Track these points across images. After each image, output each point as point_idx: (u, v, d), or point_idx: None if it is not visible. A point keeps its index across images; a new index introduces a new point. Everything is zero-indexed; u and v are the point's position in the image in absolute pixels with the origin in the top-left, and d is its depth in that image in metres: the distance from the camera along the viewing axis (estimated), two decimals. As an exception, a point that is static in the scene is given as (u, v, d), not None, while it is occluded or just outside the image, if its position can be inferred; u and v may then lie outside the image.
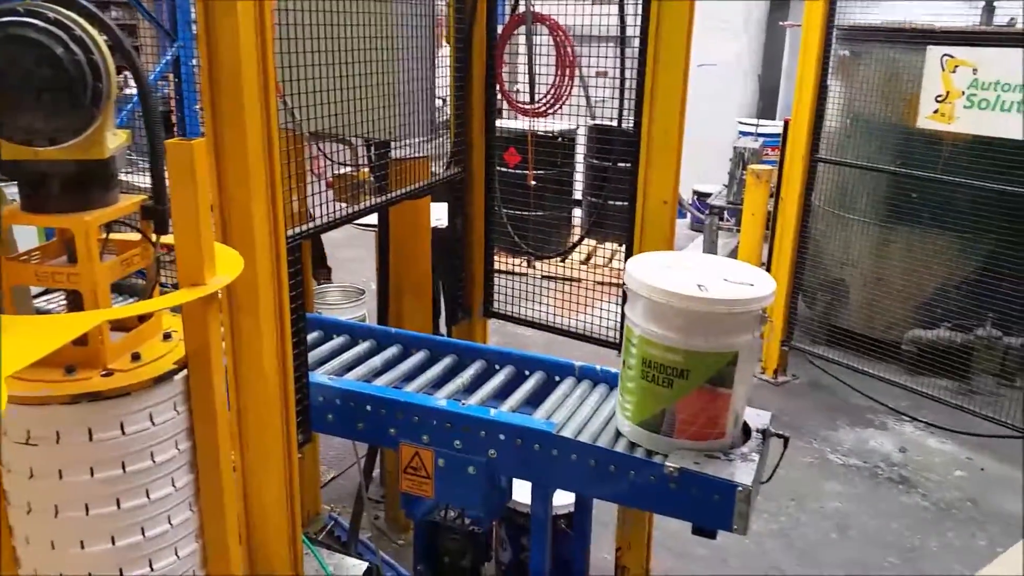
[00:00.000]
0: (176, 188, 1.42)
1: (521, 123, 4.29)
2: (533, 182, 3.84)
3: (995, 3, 4.81)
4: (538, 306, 3.26)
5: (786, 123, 4.98)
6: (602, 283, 5.54)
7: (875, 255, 5.13)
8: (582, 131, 6.47)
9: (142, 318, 1.53)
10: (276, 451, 1.90)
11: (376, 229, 3.09)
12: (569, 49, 2.95)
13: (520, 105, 3.07)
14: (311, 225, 2.27)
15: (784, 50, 9.40)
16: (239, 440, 1.86)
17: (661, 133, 2.68)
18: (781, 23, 8.60)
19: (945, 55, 4.16)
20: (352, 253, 6.42)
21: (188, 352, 1.49)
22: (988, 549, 3.44)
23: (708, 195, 7.41)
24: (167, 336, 1.56)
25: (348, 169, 3.07)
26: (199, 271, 1.44)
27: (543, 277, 6.55)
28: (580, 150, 6.56)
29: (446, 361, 2.54)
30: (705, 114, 8.72)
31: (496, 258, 3.18)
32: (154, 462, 1.43)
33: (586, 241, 7.31)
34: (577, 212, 7.40)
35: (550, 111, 3.02)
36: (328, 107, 2.37)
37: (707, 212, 6.68)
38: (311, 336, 2.70)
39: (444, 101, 3.09)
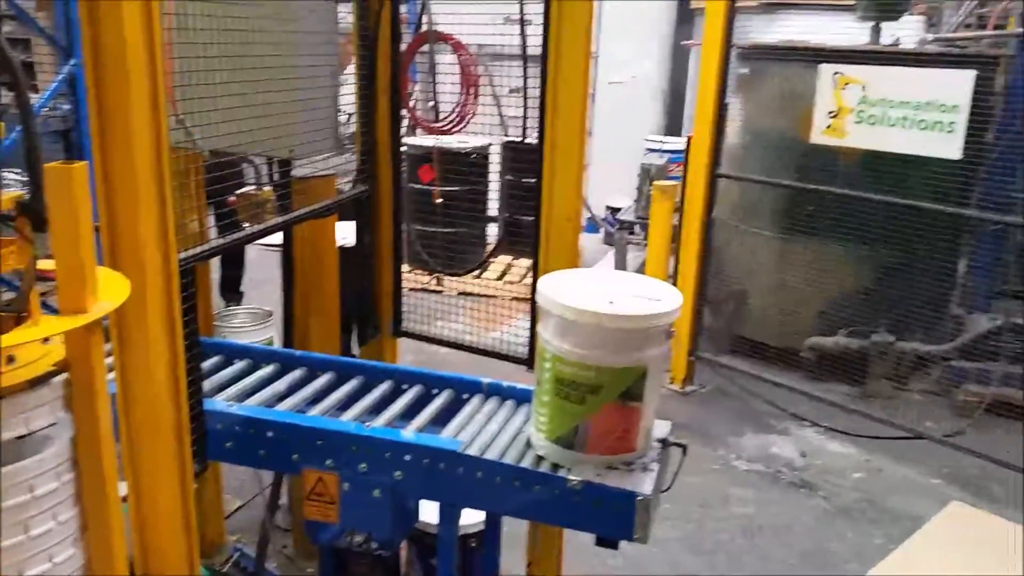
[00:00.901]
0: (56, 214, 1.37)
1: (437, 139, 4.30)
2: (440, 200, 3.83)
3: (881, 24, 5.09)
4: (453, 323, 3.26)
5: (689, 140, 5.13)
6: (517, 299, 5.58)
7: (775, 266, 5.32)
8: (496, 147, 6.52)
9: (18, 319, 1.46)
10: (170, 482, 1.83)
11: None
12: (473, 68, 2.97)
13: (425, 123, 3.06)
14: (205, 247, 2.21)
15: (689, 68, 9.69)
16: (130, 471, 1.79)
17: (564, 150, 2.72)
18: (682, 42, 8.87)
19: (836, 73, 4.37)
20: (263, 274, 6.28)
21: (72, 382, 1.42)
22: (883, 547, 3.59)
23: (620, 209, 7.57)
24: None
25: (250, 188, 3.01)
26: (81, 298, 1.39)
27: (460, 294, 6.58)
28: (494, 166, 6.61)
29: (353, 383, 2.50)
30: (619, 131, 8.96)
31: (412, 275, 3.16)
32: (32, 496, 1.36)
33: (502, 257, 7.37)
34: (494, 228, 7.44)
35: (455, 129, 3.03)
36: (227, 125, 2.32)
37: (616, 227, 6.82)
38: (211, 362, 2.62)
39: (350, 117, 3.07)
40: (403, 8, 3.05)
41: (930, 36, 5.93)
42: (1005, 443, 4.30)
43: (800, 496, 4.03)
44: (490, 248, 6.90)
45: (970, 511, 3.42)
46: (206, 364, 2.57)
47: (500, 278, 6.94)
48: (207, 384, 2.43)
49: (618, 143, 8.69)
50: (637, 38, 9.25)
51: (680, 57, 9.41)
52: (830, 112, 4.42)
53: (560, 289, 2.03)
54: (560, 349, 1.99)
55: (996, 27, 6.21)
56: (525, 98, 2.91)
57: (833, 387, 4.98)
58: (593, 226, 8.82)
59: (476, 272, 6.51)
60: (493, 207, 7.19)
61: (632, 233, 7.21)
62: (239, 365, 2.64)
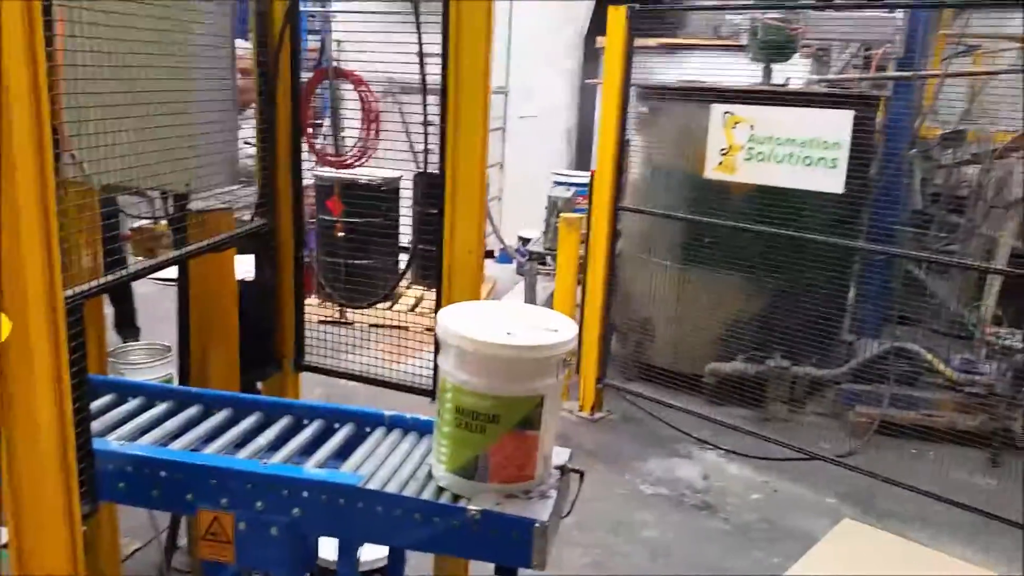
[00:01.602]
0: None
1: (348, 171, 4.29)
2: (341, 233, 3.83)
3: (772, 65, 5.37)
4: (362, 356, 3.25)
5: (592, 174, 5.28)
6: (428, 330, 5.58)
7: (677, 295, 5.50)
8: (408, 179, 6.55)
9: None
10: (56, 526, 1.77)
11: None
12: (373, 103, 3.00)
13: (327, 157, 3.08)
14: (93, 284, 2.16)
15: (596, 104, 9.98)
16: (13, 516, 1.72)
17: (465, 182, 2.78)
18: (586, 80, 9.13)
19: (727, 112, 4.59)
20: (162, 309, 6.10)
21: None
22: (782, 565, 3.72)
23: (531, 240, 7.69)
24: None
25: (145, 222, 2.96)
26: (-46, 338, 1.34)
27: (371, 326, 6.53)
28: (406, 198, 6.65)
29: (251, 419, 2.46)
30: (530, 164, 9.12)
31: (321, 308, 3.14)
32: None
33: (415, 288, 7.36)
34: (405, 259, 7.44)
35: (357, 164, 3.06)
36: (120, 158, 2.28)
37: (526, 258, 6.92)
38: (104, 400, 2.54)
39: (251, 147, 3.06)
40: (314, 38, 3.08)
41: (815, 77, 6.27)
42: (894, 461, 4.54)
43: (703, 518, 4.15)
44: (400, 279, 6.89)
45: (861, 527, 3.60)
46: (98, 403, 2.49)
47: (412, 309, 6.93)
48: (98, 423, 2.36)
49: (530, 176, 8.86)
50: (546, 74, 9.47)
51: (587, 93, 9.67)
52: (721, 149, 4.63)
53: (459, 321, 2.06)
54: (459, 379, 2.02)
55: (879, 68, 6.63)
56: (426, 131, 2.95)
57: (733, 411, 5.15)
58: (506, 256, 8.92)
59: (388, 304, 6.49)
60: (406, 238, 7.22)
61: (543, 264, 7.33)
62: (133, 403, 2.57)
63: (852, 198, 4.65)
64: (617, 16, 4.89)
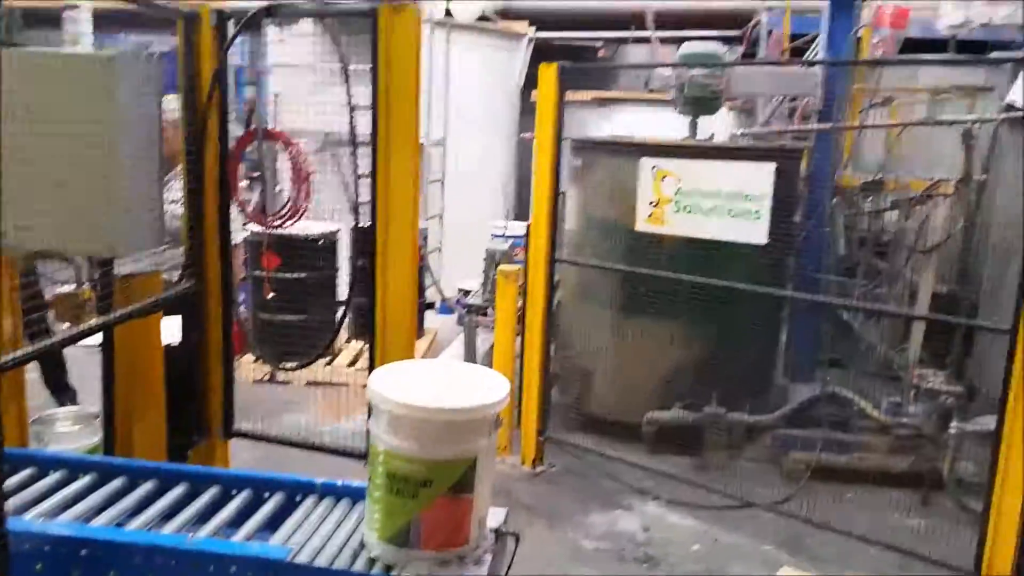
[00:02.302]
0: None
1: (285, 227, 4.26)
2: (271, 294, 3.79)
3: (700, 118, 5.55)
4: (299, 415, 3.20)
5: (528, 226, 5.33)
6: (366, 386, 5.51)
7: (615, 345, 5.55)
8: (345, 232, 6.53)
9: None
10: (-38, 616, 1.68)
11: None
12: (304, 163, 3.00)
13: (258, 218, 3.05)
14: (14, 354, 2.09)
15: (530, 157, 10.14)
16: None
17: (396, 238, 2.78)
18: (521, 135, 9.29)
19: (655, 166, 4.71)
20: (89, 372, 5.91)
21: None
22: (723, 616, 3.74)
23: (471, 292, 7.71)
24: None
25: (69, 288, 2.88)
26: None
27: (308, 383, 6.42)
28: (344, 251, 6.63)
29: (178, 490, 2.39)
30: (470, 215, 9.18)
31: (256, 366, 3.08)
32: None
33: (355, 343, 7.27)
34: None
35: (288, 223, 3.04)
36: (40, 223, 2.23)
37: (466, 310, 6.92)
38: (23, 475, 2.44)
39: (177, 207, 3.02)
40: (249, 91, 3.07)
41: (739, 131, 6.49)
42: (829, 505, 4.61)
43: (643, 571, 4.14)
44: (337, 334, 6.81)
45: (799, 575, 3.63)
46: (16, 479, 2.39)
47: (351, 364, 6.84)
48: (16, 500, 2.26)
49: (470, 227, 8.92)
50: (484, 127, 9.61)
51: (524, 147, 9.83)
52: (651, 202, 4.74)
53: (388, 384, 2.04)
54: (390, 444, 1.99)
55: (804, 118, 6.90)
56: (357, 185, 2.96)
57: (673, 459, 5.19)
58: (447, 308, 8.90)
59: (327, 360, 6.40)
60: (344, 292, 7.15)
61: (484, 315, 7.34)
62: (54, 477, 2.46)
63: (778, 246, 4.78)
64: (548, 72, 5.00)
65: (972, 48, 6.91)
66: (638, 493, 4.94)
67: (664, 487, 4.91)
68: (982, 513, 3.63)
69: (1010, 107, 5.56)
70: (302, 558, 2.00)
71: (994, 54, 6.29)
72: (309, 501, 2.36)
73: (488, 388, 2.08)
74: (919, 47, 6.79)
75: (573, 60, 5.25)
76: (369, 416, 2.56)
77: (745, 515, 4.59)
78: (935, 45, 6.84)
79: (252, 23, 2.85)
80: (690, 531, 4.56)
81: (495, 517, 2.24)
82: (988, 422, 4.40)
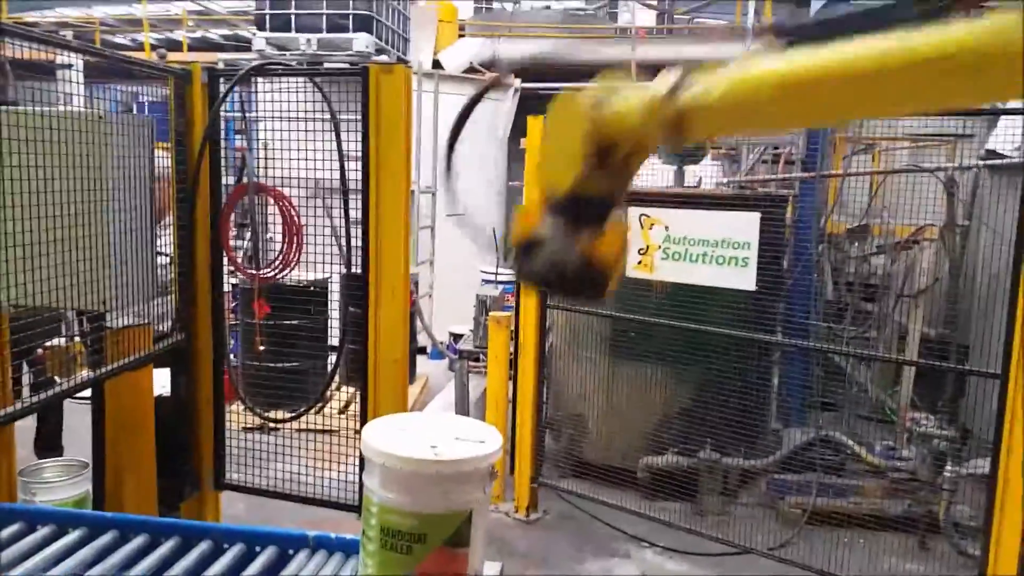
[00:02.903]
0: None
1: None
2: (262, 347, 3.78)
3: (684, 167, 5.62)
4: (290, 464, 3.17)
5: (519, 273, 5.36)
6: (358, 431, 5.47)
7: (608, 390, 5.55)
8: (336, 279, 6.53)
9: None
10: None
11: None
12: (294, 216, 3.03)
13: (248, 271, 3.07)
14: (9, 409, 2.08)
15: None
16: None
17: (388, 285, 2.80)
18: (510, 183, 9.38)
19: (642, 215, 4.76)
20: (78, 421, 5.86)
21: None
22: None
23: (462, 336, 7.70)
24: None
25: (60, 342, 2.88)
26: None
27: (299, 430, 6.37)
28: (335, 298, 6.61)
29: (168, 545, 2.35)
30: (461, 260, 9.22)
31: (246, 415, 3.07)
32: None
33: (344, 389, 7.23)
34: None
35: (279, 276, 3.06)
36: (33, 279, 2.24)
37: (457, 356, 6.91)
38: (11, 530, 2.40)
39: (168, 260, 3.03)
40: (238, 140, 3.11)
41: (725, 179, 6.58)
42: (827, 550, 4.57)
43: (641, 621, 4.09)
44: (331, 382, 6.77)
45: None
46: (3, 533, 2.36)
47: (342, 412, 6.79)
48: (3, 556, 2.22)
49: (460, 272, 8.95)
50: (473, 175, 9.70)
51: (513, 195, 9.93)
52: (640, 249, 4.78)
53: (381, 437, 2.04)
54: (385, 498, 1.98)
55: (788, 165, 6.99)
56: (348, 233, 2.98)
57: (668, 505, 5.15)
58: (438, 353, 8.89)
59: (318, 407, 6.35)
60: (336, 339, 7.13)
61: (476, 360, 7.33)
62: (42, 532, 2.43)
63: (767, 292, 4.82)
64: (536, 123, 5.08)
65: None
66: (634, 540, 4.89)
67: (660, 534, 4.87)
68: (980, 556, 3.62)
69: (991, 153, 5.66)
70: (295, 614, 1.97)
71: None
72: (302, 555, 2.33)
73: (482, 440, 2.08)
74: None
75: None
76: (362, 469, 2.55)
77: (743, 561, 4.54)
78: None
79: (242, 81, 2.90)
80: (687, 579, 4.52)
81: (490, 570, 2.22)
82: (983, 465, 4.41)
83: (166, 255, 3.03)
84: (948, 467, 4.80)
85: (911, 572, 4.60)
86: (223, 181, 3.08)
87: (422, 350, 8.64)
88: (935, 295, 5.96)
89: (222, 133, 3.16)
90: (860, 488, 5.17)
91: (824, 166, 6.16)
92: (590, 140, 1.35)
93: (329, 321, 6.89)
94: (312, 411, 4.89)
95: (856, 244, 6.31)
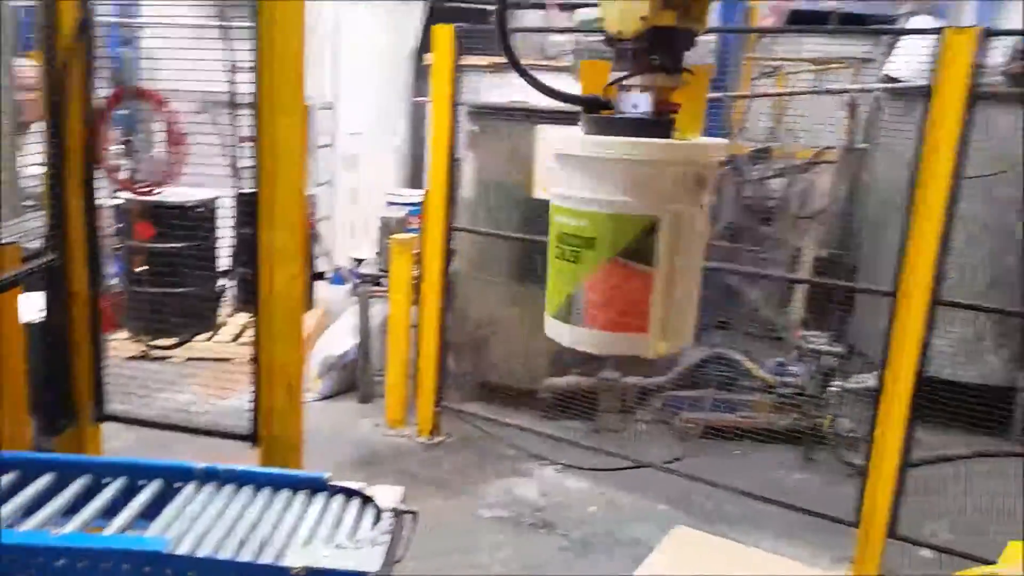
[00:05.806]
0: None
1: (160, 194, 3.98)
2: (143, 267, 3.55)
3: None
4: (180, 395, 3.01)
5: (425, 194, 5.20)
6: (254, 359, 5.28)
7: (511, 313, 5.52)
8: (227, 199, 6.21)
9: None
10: None
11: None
12: (177, 125, 2.80)
13: (128, 184, 2.83)
14: None
15: (425, 122, 9.94)
16: None
17: (283, 203, 2.64)
18: (414, 99, 9.08)
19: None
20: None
21: None
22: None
23: (364, 261, 7.51)
24: None
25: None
26: None
27: (189, 359, 6.11)
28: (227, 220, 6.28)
29: (43, 481, 2.20)
30: (364, 182, 8.91)
31: (133, 342, 2.87)
32: None
33: (239, 316, 6.96)
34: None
35: (159, 188, 2.83)
36: None
37: (359, 280, 6.74)
38: None
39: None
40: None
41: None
42: (719, 464, 4.75)
43: (542, 536, 4.16)
44: (222, 307, 6.50)
45: (692, 533, 3.71)
46: None
47: (235, 339, 6.56)
48: None
49: (364, 194, 8.67)
50: (377, 91, 9.33)
51: (419, 112, 9.62)
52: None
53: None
54: (557, 196, 1.61)
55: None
56: (239, 147, 2.79)
57: (569, 424, 5.23)
58: (340, 278, 8.67)
59: (208, 335, 6.09)
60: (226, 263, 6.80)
61: (378, 285, 7.17)
62: None
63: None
64: (444, 35, 4.86)
65: (853, 21, 7.16)
66: (535, 459, 4.95)
67: (561, 452, 4.94)
68: (863, 466, 3.81)
69: (889, 78, 5.78)
70: (183, 548, 1.87)
71: (874, 27, 6.52)
72: (189, 488, 2.21)
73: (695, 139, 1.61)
74: (804, 19, 6.97)
75: (470, 23, 5.10)
76: (258, 391, 2.42)
77: (640, 476, 4.66)
78: (819, 17, 7.04)
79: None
80: (587, 494, 4.61)
81: (392, 495, 2.16)
82: (867, 380, 4.63)
83: (34, 166, 2.76)
84: (835, 382, 5.03)
85: (798, 481, 4.84)
86: (99, 89, 2.80)
87: (321, 275, 8.42)
88: (830, 217, 6.14)
89: (100, 38, 2.86)
90: (751, 403, 5.37)
91: (732, 88, 6.18)
92: None
93: (218, 245, 6.56)
94: (202, 338, 4.69)
95: (757, 166, 6.41)
